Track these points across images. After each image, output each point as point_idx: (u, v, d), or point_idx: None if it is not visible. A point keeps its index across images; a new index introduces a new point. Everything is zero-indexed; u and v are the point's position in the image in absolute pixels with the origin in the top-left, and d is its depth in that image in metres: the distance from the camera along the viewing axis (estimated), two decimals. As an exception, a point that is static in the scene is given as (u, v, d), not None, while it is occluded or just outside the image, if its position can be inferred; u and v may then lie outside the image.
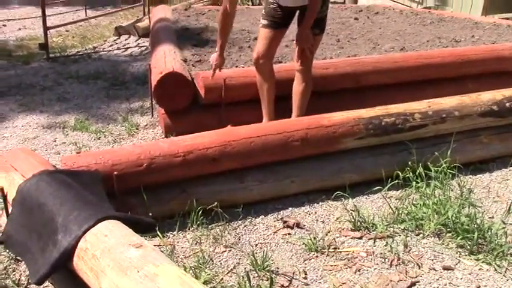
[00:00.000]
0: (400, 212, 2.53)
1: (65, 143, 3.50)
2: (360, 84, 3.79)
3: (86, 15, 7.88)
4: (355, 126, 2.80)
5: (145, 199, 2.38)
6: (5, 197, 2.05)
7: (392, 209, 2.55)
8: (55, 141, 3.54)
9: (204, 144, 2.50)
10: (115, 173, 2.30)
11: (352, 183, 2.83)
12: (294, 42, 3.18)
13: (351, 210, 2.64)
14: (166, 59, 3.62)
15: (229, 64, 3.93)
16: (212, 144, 2.51)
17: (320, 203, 2.73)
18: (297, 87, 3.27)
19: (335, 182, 2.81)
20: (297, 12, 3.19)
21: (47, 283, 1.97)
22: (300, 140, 2.68)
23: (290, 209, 2.68)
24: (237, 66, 3.91)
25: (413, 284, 2.09)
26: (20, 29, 8.09)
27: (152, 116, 3.87)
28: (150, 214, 2.38)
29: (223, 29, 3.18)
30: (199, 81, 3.43)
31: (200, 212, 2.45)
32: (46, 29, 5.80)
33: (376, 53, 4.43)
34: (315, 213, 2.66)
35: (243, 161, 2.59)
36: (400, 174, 2.72)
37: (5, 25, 8.24)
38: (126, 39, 7.05)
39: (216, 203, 2.47)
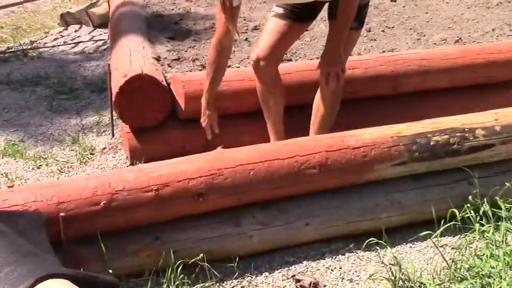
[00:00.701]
0: (459, 266, 2.54)
1: (-9, 173, 3.53)
2: (399, 90, 3.84)
3: (20, -2, 7.96)
4: (394, 147, 2.83)
5: (103, 250, 2.39)
6: None
7: (447, 263, 2.56)
8: (-23, 171, 3.57)
9: (185, 174, 2.53)
10: (62, 214, 2.32)
11: (391, 227, 2.84)
12: (318, 64, 3.14)
13: (390, 264, 2.64)
14: (132, 57, 3.67)
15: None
16: (196, 174, 2.54)
17: (346, 255, 2.74)
18: (320, 105, 3.26)
19: (366, 225, 2.83)
20: (327, 3, 3.15)
21: None
22: (318, 166, 2.71)
23: (305, 262, 2.68)
24: (229, 66, 3.95)
25: None
26: None
27: (113, 135, 3.90)
28: (110, 271, 2.38)
29: (216, 68, 3.15)
30: (177, 86, 3.47)
31: (180, 268, 2.45)
32: (-35, 17, 5.86)
33: (421, 47, 4.47)
34: (340, 268, 2.66)
35: (239, 196, 2.62)
36: (458, 213, 2.74)
37: None
38: (76, 31, 7.09)
39: (201, 254, 2.48)
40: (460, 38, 4.63)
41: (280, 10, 3.17)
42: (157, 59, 3.97)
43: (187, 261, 2.50)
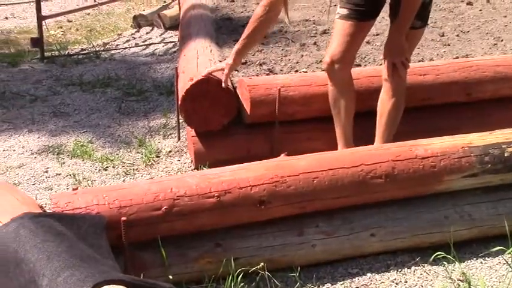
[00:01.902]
0: (534, 286, 2.44)
1: (59, 174, 3.60)
2: (473, 97, 3.74)
3: (95, 1, 8.13)
4: (465, 158, 2.75)
5: (163, 255, 2.40)
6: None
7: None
8: (47, 171, 3.65)
9: (247, 181, 2.51)
10: (123, 218, 2.34)
11: (460, 241, 2.77)
12: (383, 53, 3.21)
13: (458, 279, 2.58)
14: (199, 61, 3.69)
15: (286, 67, 3.96)
16: (259, 181, 2.52)
17: (413, 268, 2.68)
18: (384, 104, 3.26)
19: (434, 238, 2.76)
20: None
21: None
22: (384, 176, 2.65)
23: (369, 274, 2.64)
24: (296, 71, 3.93)
25: None
26: (6, 18, 8.43)
27: (179, 139, 3.93)
28: (170, 277, 2.40)
29: (253, 31, 3.20)
30: (243, 91, 3.47)
31: (240, 276, 2.44)
32: (41, 18, 6.03)
33: (498, 53, 4.35)
34: (405, 282, 2.61)
35: (302, 204, 2.59)
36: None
37: (-14, 12, 8.63)
38: (147, 33, 7.23)
39: (262, 263, 2.47)
40: (540, 44, 4.48)
41: (345, 11, 3.19)
42: (224, 62, 3.97)
43: (248, 270, 2.49)
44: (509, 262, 2.70)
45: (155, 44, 6.68)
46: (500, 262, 2.74)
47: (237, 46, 3.28)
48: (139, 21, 7.52)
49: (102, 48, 6.51)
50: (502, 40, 4.64)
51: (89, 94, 4.93)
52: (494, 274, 2.66)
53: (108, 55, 6.18)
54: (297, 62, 4.01)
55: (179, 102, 3.43)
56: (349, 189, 2.62)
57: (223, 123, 3.44)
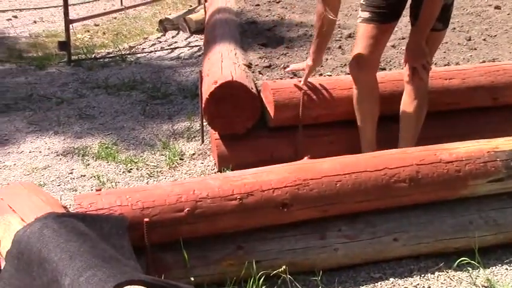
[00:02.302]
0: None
1: (84, 176, 3.64)
2: (499, 102, 3.72)
3: (122, 5, 8.21)
4: (490, 162, 2.73)
5: (185, 257, 2.42)
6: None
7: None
8: (71, 173, 3.68)
9: (270, 184, 2.51)
10: (146, 219, 2.35)
11: (485, 246, 2.74)
12: (403, 58, 3.23)
13: (483, 286, 2.55)
14: (224, 64, 3.70)
15: (310, 71, 3.94)
16: (281, 184, 2.52)
17: (436, 274, 2.66)
18: (407, 106, 3.26)
19: (458, 244, 2.74)
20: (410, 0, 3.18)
21: None
22: (408, 180, 2.64)
23: (392, 279, 2.63)
24: (321, 74, 3.92)
25: None
26: (35, 21, 8.51)
27: (203, 141, 3.95)
28: (192, 279, 2.41)
29: (319, 28, 3.25)
30: (267, 94, 3.47)
31: (262, 279, 2.44)
32: (68, 22, 6.10)
33: (525, 57, 4.30)
34: (429, 287, 2.58)
35: (324, 208, 2.58)
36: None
37: (15, 16, 8.71)
38: (173, 37, 7.27)
39: (284, 266, 2.46)
40: None
41: (366, 14, 3.20)
42: (249, 65, 3.98)
43: (269, 273, 2.49)
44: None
45: (180, 47, 6.71)
46: (526, 269, 2.71)
47: (312, 47, 3.34)
48: (165, 25, 7.56)
49: (128, 52, 6.56)
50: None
51: (114, 97, 4.97)
52: (520, 281, 2.64)
53: (133, 58, 6.23)
54: (322, 66, 3.99)
55: (203, 105, 3.44)
56: (372, 193, 2.61)
57: (247, 126, 3.44)
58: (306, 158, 2.73)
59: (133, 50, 6.69)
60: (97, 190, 2.50)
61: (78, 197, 2.43)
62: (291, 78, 3.81)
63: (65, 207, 2.43)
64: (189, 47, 6.70)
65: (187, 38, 7.14)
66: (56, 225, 2.05)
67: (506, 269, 2.71)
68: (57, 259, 1.90)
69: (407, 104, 3.25)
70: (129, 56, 6.34)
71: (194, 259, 2.47)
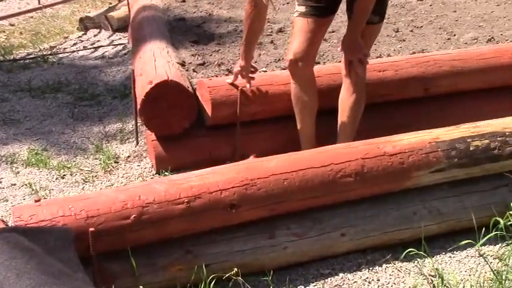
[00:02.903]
0: (504, 278, 2.45)
1: (14, 184, 3.48)
2: (430, 92, 3.78)
3: (40, 3, 7.94)
4: (432, 153, 2.76)
5: (133, 265, 2.35)
6: None
7: (494, 274, 2.47)
8: (0, 182, 3.52)
9: (217, 185, 2.47)
10: (91, 229, 2.26)
11: (429, 236, 2.78)
12: (340, 48, 3.22)
13: (430, 275, 2.58)
14: (157, 63, 3.62)
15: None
16: (229, 185, 2.48)
17: (384, 266, 2.68)
18: (345, 100, 3.27)
19: (404, 235, 2.78)
20: None
21: None
22: (354, 175, 2.64)
23: (341, 274, 2.63)
24: (256, 70, 3.89)
25: None
26: None
27: (137, 143, 3.85)
28: (141, 287, 2.35)
29: (249, 29, 3.22)
30: (203, 92, 3.42)
31: (213, 283, 2.39)
32: (-16, 23, 5.85)
33: (452, 47, 4.40)
34: (378, 280, 2.60)
35: (272, 207, 2.56)
36: (501, 221, 2.66)
37: None
38: (95, 35, 7.08)
39: (235, 269, 2.43)
40: (492, 37, 4.55)
41: (303, 8, 3.19)
42: (182, 64, 3.91)
43: (220, 276, 2.45)
44: (483, 256, 2.72)
45: (104, 46, 6.55)
46: (468, 255, 2.77)
47: (242, 48, 3.30)
48: (86, 24, 7.36)
49: (49, 52, 6.35)
50: (454, 35, 4.69)
51: (39, 100, 4.79)
52: (463, 267, 2.69)
53: (56, 59, 6.02)
54: (256, 62, 3.95)
55: (138, 106, 3.36)
56: (319, 190, 2.61)
57: (184, 126, 3.39)
58: (251, 156, 2.70)
59: (55, 50, 6.48)
60: (36, 201, 2.39)
61: (16, 209, 2.32)
62: (226, 75, 3.76)
63: (3, 221, 2.31)
64: (113, 45, 6.54)
65: (109, 36, 6.97)
66: (-3, 241, 1.94)
67: (450, 256, 2.77)
68: (1, 278, 1.80)
69: (345, 98, 3.26)
70: (50, 57, 6.12)
71: (142, 267, 2.40)
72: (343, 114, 3.28)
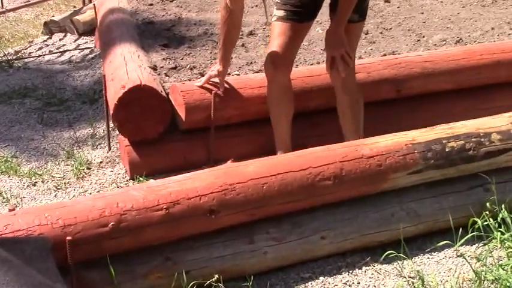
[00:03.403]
0: (482, 278, 2.46)
1: (-16, 193, 3.40)
2: (402, 94, 3.80)
3: (2, 7, 7.79)
4: (408, 155, 2.77)
5: (112, 273, 2.31)
6: None
7: (476, 273, 2.48)
8: (-30, 191, 3.44)
9: (196, 191, 2.44)
10: (68, 238, 2.21)
11: (407, 237, 2.76)
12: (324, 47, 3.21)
13: (409, 277, 2.59)
14: (129, 67, 3.57)
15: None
16: (208, 190, 2.45)
17: (364, 268, 2.67)
18: (340, 103, 3.27)
19: (382, 237, 2.77)
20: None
21: None
22: (333, 178, 2.63)
23: (321, 278, 2.62)
24: (229, 74, 3.86)
25: None
26: None
27: (109, 148, 3.78)
28: (121, 295, 2.30)
29: (226, 34, 3.19)
30: (177, 96, 3.39)
31: (193, 290, 2.37)
32: None
33: (422, 48, 4.44)
34: (358, 283, 2.59)
35: (252, 211, 2.54)
36: (479, 221, 2.68)
37: None
38: (60, 39, 6.96)
39: (215, 275, 2.41)
40: (461, 39, 4.60)
41: (281, 13, 3.16)
42: (154, 68, 3.87)
43: (201, 283, 2.42)
44: (455, 256, 2.74)
45: (70, 50, 6.44)
46: (446, 256, 2.77)
47: (219, 53, 3.28)
48: (50, 28, 7.23)
49: (13, 57, 6.23)
50: (423, 36, 4.73)
51: (5, 105, 4.68)
52: (442, 268, 2.69)
53: (21, 64, 5.91)
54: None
55: (111, 111, 3.31)
56: (298, 193, 2.59)
57: (159, 130, 3.35)
58: (229, 161, 2.67)
59: (20, 54, 6.36)
60: (10, 210, 2.33)
61: (-10, 219, 2.25)
62: (199, 79, 3.73)
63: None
64: (79, 49, 6.43)
65: (75, 40, 6.85)
66: (-27, 253, 1.88)
67: (428, 258, 2.77)
68: (-20, 291, 1.75)
69: (339, 101, 3.27)
70: (15, 61, 6.01)
71: (121, 275, 2.36)
72: (342, 117, 3.29)
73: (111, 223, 2.29)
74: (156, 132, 3.35)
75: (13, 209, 2.33)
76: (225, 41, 3.21)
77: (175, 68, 3.97)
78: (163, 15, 5.30)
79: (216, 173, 2.56)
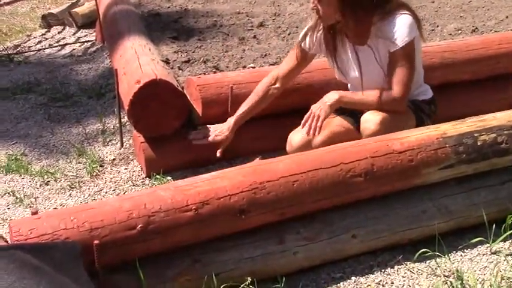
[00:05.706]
0: (522, 276, 2.40)
1: (-4, 193, 3.31)
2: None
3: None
4: (440, 149, 2.68)
5: (141, 277, 2.23)
6: None
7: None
8: (-20, 191, 3.34)
9: (225, 190, 2.35)
10: (96, 241, 2.13)
11: (439, 234, 2.68)
12: None
13: (444, 275, 2.51)
14: (141, 61, 3.46)
15: (231, 64, 3.78)
16: (237, 189, 2.36)
17: (396, 267, 2.60)
18: None
19: (413, 234, 2.69)
20: None
21: None
22: (364, 174, 2.54)
23: (353, 278, 2.54)
24: (244, 67, 3.77)
25: None
26: None
27: (122, 145, 3.68)
28: (150, 300, 2.23)
29: (255, 96, 3.17)
30: (193, 91, 3.29)
31: (224, 293, 2.30)
32: None
33: (437, 38, 4.35)
34: (392, 283, 2.52)
35: (282, 210, 2.45)
36: (513, 217, 2.62)
37: None
38: (59, 32, 6.89)
39: (249, 279, 2.35)
40: (476, 28, 4.52)
41: None
42: (167, 61, 3.76)
43: (231, 284, 2.34)
44: (489, 253, 2.67)
45: (70, 44, 6.35)
46: (479, 253, 2.69)
47: (236, 116, 3.19)
48: (49, 21, 7.17)
49: (14, 51, 6.13)
50: (437, 26, 4.65)
51: (10, 101, 4.59)
52: (477, 266, 2.61)
53: (22, 58, 5.82)
54: (241, 57, 3.84)
55: (126, 107, 3.20)
56: (329, 191, 2.50)
57: (175, 126, 3.25)
58: (257, 158, 2.58)
59: (19, 48, 6.26)
60: (33, 213, 2.23)
61: (14, 223, 2.15)
62: (214, 72, 3.63)
63: (3, 238, 2.14)
64: (80, 42, 6.35)
65: (75, 33, 6.79)
66: (1, 262, 1.78)
67: (461, 255, 2.69)
68: (12, 302, 1.65)
69: None
70: (16, 56, 5.91)
71: (149, 278, 2.27)
72: None
73: (140, 225, 2.20)
74: (173, 128, 3.25)
75: (36, 212, 2.22)
76: (254, 103, 3.18)
77: (188, 61, 3.87)
78: (168, 7, 5.19)
79: (244, 171, 2.46)
